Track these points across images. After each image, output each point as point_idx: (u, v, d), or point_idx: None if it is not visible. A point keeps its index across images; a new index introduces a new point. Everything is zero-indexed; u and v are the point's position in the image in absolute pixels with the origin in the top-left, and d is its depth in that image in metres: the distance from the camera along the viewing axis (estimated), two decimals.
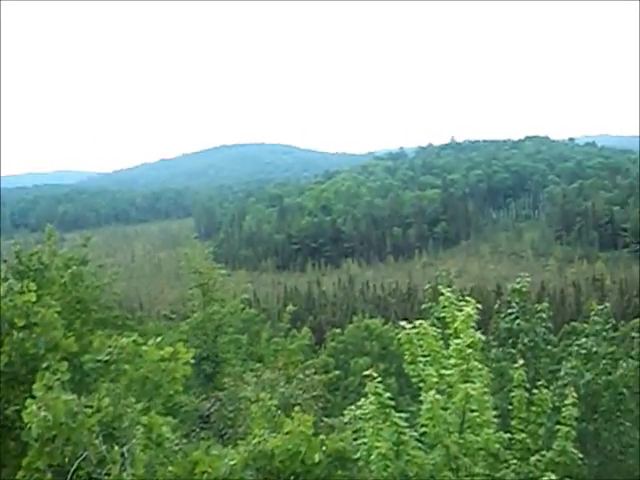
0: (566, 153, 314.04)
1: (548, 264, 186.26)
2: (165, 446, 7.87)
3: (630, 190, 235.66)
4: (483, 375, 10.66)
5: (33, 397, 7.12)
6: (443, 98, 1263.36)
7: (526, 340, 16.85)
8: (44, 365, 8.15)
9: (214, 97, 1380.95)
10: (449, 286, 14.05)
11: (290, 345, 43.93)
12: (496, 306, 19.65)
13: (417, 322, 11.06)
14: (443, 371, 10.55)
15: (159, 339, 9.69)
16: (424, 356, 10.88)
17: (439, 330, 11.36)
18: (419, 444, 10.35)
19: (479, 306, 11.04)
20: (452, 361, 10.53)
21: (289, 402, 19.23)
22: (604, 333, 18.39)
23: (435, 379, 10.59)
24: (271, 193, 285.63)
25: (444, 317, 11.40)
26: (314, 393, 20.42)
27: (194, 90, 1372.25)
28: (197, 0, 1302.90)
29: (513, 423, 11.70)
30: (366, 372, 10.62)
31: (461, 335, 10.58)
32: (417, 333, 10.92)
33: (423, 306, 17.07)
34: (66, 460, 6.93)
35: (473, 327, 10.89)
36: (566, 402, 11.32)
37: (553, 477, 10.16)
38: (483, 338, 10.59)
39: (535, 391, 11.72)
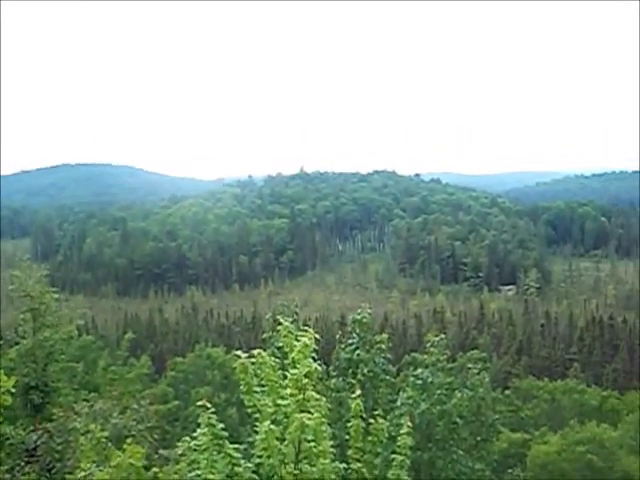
0: (412, 188, 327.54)
1: (391, 296, 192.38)
2: None
3: (471, 226, 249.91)
4: (321, 405, 10.59)
5: None
6: (293, 128, 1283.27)
7: (365, 370, 17.08)
8: None
9: (57, 112, 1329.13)
10: (290, 316, 14.01)
11: (128, 374, 42.57)
12: (337, 336, 19.84)
13: (254, 351, 10.91)
14: (280, 401, 10.41)
15: None
16: (261, 386, 10.72)
17: (278, 360, 11.24)
18: (254, 475, 10.14)
19: (317, 336, 11.05)
20: (288, 391, 10.42)
21: (122, 433, 18.48)
22: (439, 364, 18.99)
23: (271, 409, 10.43)
24: (114, 216, 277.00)
25: (282, 347, 11.38)
26: (149, 424, 19.72)
27: (34, 104, 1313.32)
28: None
29: (350, 453, 11.72)
30: (199, 402, 10.30)
31: (298, 365, 10.51)
32: (254, 363, 10.74)
33: (264, 335, 16.93)
34: None
35: (312, 357, 10.85)
36: (401, 431, 11.48)
37: None
38: (319, 368, 10.62)
39: (372, 421, 11.81)
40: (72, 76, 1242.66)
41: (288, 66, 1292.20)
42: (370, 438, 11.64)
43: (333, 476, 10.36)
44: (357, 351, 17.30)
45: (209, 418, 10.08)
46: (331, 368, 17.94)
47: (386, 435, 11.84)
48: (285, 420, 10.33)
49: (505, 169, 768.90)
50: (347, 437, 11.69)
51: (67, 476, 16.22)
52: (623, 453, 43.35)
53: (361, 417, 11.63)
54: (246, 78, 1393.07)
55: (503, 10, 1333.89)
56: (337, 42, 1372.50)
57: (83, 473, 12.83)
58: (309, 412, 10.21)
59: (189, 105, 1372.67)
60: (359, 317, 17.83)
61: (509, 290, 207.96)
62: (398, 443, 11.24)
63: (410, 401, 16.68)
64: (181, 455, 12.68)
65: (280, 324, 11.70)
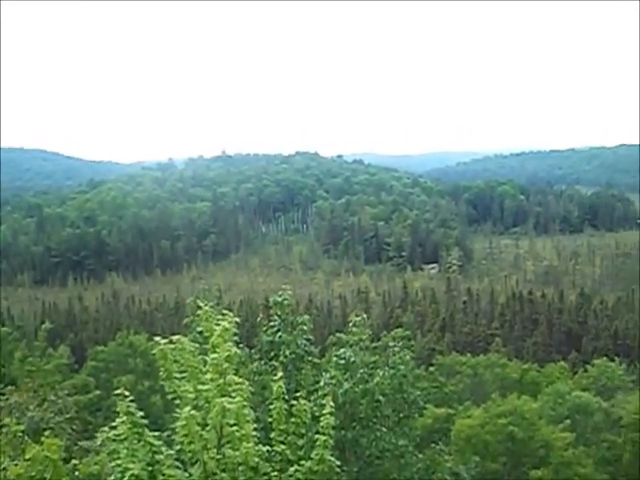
0: (334, 169, 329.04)
1: (316, 277, 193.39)
2: None
3: (394, 206, 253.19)
4: (243, 389, 10.50)
5: None
6: (213, 110, 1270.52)
7: (288, 352, 17.04)
8: None
9: None
10: (211, 300, 13.82)
11: (46, 365, 41.46)
12: (258, 319, 19.76)
13: (174, 337, 10.73)
14: (200, 386, 10.28)
15: None
16: (181, 372, 10.56)
17: (198, 345, 11.08)
18: (176, 462, 10.00)
19: (237, 320, 10.96)
20: (209, 376, 10.30)
21: (40, 426, 17.97)
22: (362, 343, 19.10)
23: (192, 395, 10.30)
24: (29, 202, 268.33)
25: (203, 331, 11.27)
26: (68, 415, 19.22)
27: None
28: None
29: (273, 435, 11.67)
30: (117, 391, 10.07)
31: (218, 349, 10.39)
32: (174, 349, 10.56)
33: (184, 321, 16.70)
34: None
35: (233, 341, 10.75)
36: (324, 412, 11.48)
37: None
38: (240, 352, 10.54)
39: (295, 402, 11.77)
40: None
41: (207, 47, 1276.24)
42: (293, 420, 11.60)
43: (256, 459, 10.30)
44: (279, 333, 17.25)
45: (127, 407, 9.90)
46: (253, 351, 17.87)
47: (309, 416, 11.81)
48: (206, 405, 10.23)
49: (426, 149, 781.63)
50: (270, 420, 11.62)
51: None
52: (543, 423, 44.75)
53: (284, 399, 11.59)
54: (164, 58, 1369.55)
55: None
56: (255, 21, 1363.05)
57: None
58: (230, 396, 10.12)
59: (106, 87, 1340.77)
60: (280, 299, 17.78)
61: (432, 269, 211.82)
62: (321, 423, 11.23)
63: (333, 381, 16.70)
64: (101, 445, 12.42)
65: (200, 308, 11.56)
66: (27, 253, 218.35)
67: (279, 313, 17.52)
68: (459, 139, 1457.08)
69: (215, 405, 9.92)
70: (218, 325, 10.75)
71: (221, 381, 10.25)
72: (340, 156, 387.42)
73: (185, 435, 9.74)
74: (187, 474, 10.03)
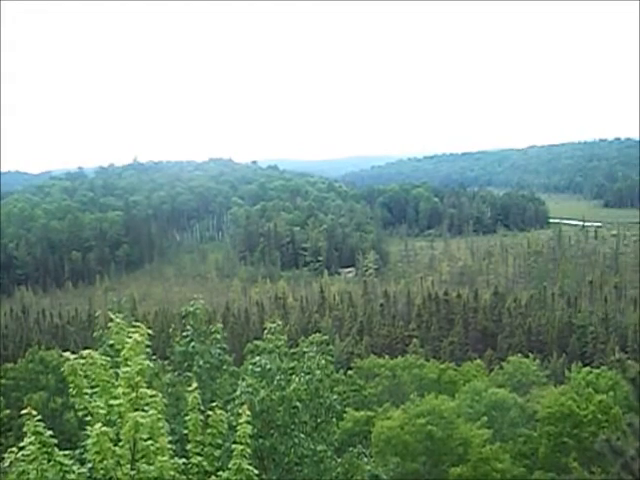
0: (249, 175, 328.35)
1: (233, 284, 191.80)
2: None
3: (309, 211, 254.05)
4: (156, 402, 10.33)
5: None
6: (124, 118, 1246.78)
7: (201, 362, 16.88)
8: None
9: None
10: (122, 312, 13.57)
11: None
12: (171, 330, 19.50)
13: (84, 352, 10.48)
14: (112, 401, 10.06)
15: None
16: (92, 387, 10.32)
17: (110, 359, 10.85)
18: None
19: (149, 331, 10.78)
20: (121, 390, 10.09)
21: None
22: (278, 350, 19.09)
23: (104, 410, 10.07)
24: None
25: (114, 345, 11.05)
26: None
27: None
28: None
29: (189, 447, 11.52)
30: (24, 411, 9.75)
31: (130, 362, 10.19)
32: (84, 363, 10.30)
33: (94, 334, 16.32)
34: None
35: (145, 353, 10.57)
36: (240, 420, 11.40)
37: None
38: (152, 364, 10.37)
39: (211, 413, 11.65)
40: None
41: (117, 53, 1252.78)
42: (209, 430, 11.47)
43: (172, 472, 10.15)
44: (192, 343, 17.08)
45: (35, 426, 9.61)
46: (167, 363, 17.64)
47: (226, 426, 11.71)
48: (119, 420, 10.02)
49: (341, 154, 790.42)
50: (186, 431, 11.48)
51: None
52: (461, 421, 45.69)
53: (199, 410, 11.46)
54: (72, 65, 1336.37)
55: None
56: (164, 27, 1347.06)
57: None
58: (143, 410, 9.95)
59: (9, 95, 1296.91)
60: (192, 309, 17.61)
61: (349, 272, 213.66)
62: (238, 433, 11.16)
63: (249, 389, 16.60)
64: (9, 466, 12.00)
65: (111, 321, 11.32)
66: None
67: (192, 323, 17.35)
68: (373, 144, 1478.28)
69: (128, 420, 9.73)
70: (129, 338, 10.56)
71: (133, 395, 10.06)
72: (255, 162, 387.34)
73: (97, 452, 9.53)
74: None
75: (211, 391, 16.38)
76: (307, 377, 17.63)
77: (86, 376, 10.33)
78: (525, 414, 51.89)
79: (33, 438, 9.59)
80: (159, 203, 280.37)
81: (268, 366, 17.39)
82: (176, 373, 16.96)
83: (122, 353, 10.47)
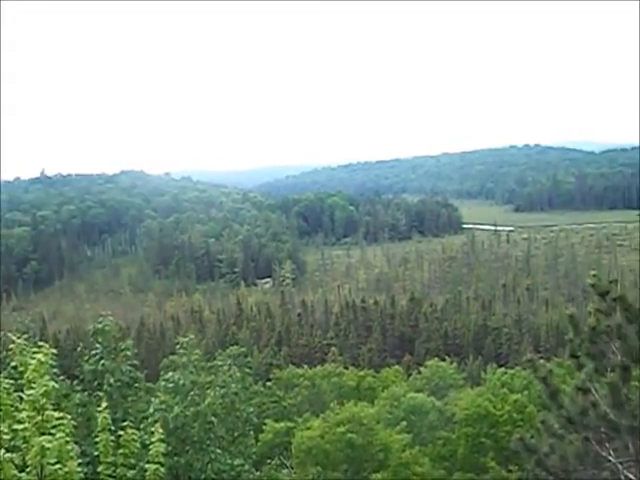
0: (162, 187, 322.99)
1: (147, 299, 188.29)
2: None
3: (224, 222, 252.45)
4: (64, 424, 9.93)
5: None
6: (31, 130, 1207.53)
7: (112, 380, 16.41)
8: None
9: None
10: (26, 332, 13.06)
11: None
12: (78, 349, 18.89)
13: None
14: (16, 426, 9.62)
15: None
16: None
17: (13, 381, 10.39)
18: None
19: (54, 351, 10.37)
20: (25, 414, 9.66)
21: None
22: (192, 364, 18.77)
23: (8, 436, 9.62)
24: None
25: (17, 367, 10.59)
26: None
27: None
28: None
29: (101, 469, 11.17)
30: None
31: (34, 385, 9.78)
32: None
33: None
34: None
35: (50, 374, 10.16)
36: (153, 439, 11.12)
37: None
38: (59, 385, 9.99)
39: (122, 432, 11.33)
40: None
41: (31, 67, 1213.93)
42: (121, 451, 11.15)
43: None
44: (102, 361, 16.60)
45: None
46: (77, 382, 17.08)
47: (139, 445, 11.40)
48: (24, 445, 9.60)
49: (255, 165, 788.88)
50: (97, 453, 11.12)
51: None
52: (381, 427, 45.91)
53: (110, 430, 11.12)
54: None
55: None
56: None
57: None
58: (50, 433, 9.56)
59: None
60: (101, 326, 17.13)
61: (266, 283, 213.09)
62: (151, 452, 10.88)
63: (163, 406, 16.27)
64: None
65: (13, 342, 10.87)
66: None
67: (101, 340, 16.86)
68: (288, 153, 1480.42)
69: (34, 444, 9.32)
70: (33, 359, 10.14)
71: (39, 418, 9.64)
72: (168, 174, 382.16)
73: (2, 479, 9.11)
74: None
75: (123, 410, 15.94)
76: (222, 391, 17.42)
77: None
78: (443, 417, 52.68)
79: None
80: (69, 217, 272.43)
81: (181, 381, 17.08)
82: (86, 393, 16.45)
83: (25, 375, 10.06)
